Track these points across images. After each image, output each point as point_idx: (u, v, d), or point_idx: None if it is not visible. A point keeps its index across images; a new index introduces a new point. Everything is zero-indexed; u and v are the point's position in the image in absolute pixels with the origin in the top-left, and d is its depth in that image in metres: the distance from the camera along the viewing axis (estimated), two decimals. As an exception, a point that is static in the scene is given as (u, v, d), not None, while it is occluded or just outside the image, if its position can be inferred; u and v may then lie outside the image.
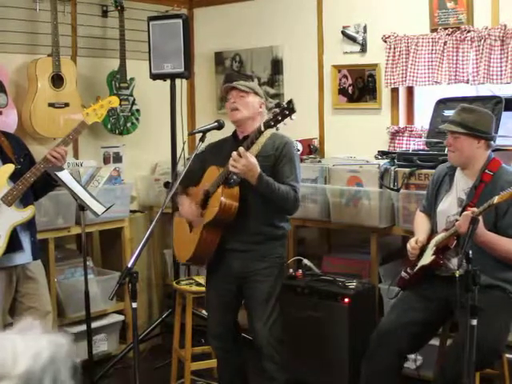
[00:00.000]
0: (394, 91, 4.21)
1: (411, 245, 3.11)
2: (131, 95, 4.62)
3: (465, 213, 2.75)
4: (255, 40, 4.81)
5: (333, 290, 3.68)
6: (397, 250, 4.06)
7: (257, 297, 3.15)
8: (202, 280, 3.81)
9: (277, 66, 4.73)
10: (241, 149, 2.93)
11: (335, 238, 4.49)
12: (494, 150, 3.14)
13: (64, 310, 4.15)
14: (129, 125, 4.63)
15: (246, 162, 2.92)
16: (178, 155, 4.30)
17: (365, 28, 4.26)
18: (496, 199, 2.64)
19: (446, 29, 3.87)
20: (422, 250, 3.09)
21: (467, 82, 3.81)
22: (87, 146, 4.58)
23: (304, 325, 3.69)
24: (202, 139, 3.07)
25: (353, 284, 3.71)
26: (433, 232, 3.15)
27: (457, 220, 2.83)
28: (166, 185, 4.50)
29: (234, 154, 2.93)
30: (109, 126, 4.52)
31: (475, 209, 2.72)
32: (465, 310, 2.43)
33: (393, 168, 3.79)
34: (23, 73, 4.15)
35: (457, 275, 2.47)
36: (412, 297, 3.10)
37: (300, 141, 4.19)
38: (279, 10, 4.70)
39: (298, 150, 3.97)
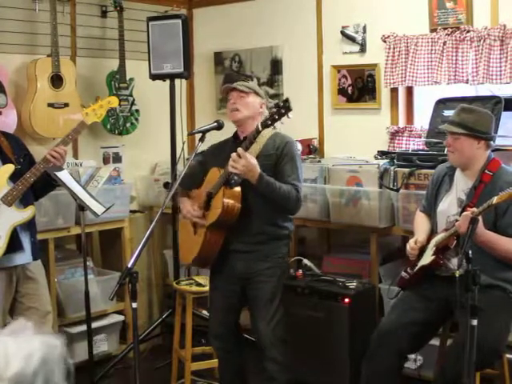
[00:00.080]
0: (394, 91, 4.21)
1: (410, 245, 3.11)
2: (131, 95, 4.62)
3: (464, 213, 2.75)
4: (255, 40, 4.81)
5: (333, 290, 3.68)
6: (397, 250, 4.06)
7: (260, 297, 3.15)
8: (202, 280, 3.81)
9: (276, 66, 4.73)
10: (240, 149, 2.94)
11: (335, 238, 4.49)
12: (493, 150, 3.14)
13: (64, 310, 4.15)
14: (128, 125, 4.63)
15: (245, 162, 2.92)
16: (177, 155, 4.30)
17: (364, 28, 4.26)
18: (495, 199, 2.64)
19: (445, 29, 3.88)
20: (422, 250, 3.09)
21: (467, 82, 3.81)
22: (87, 146, 4.59)
23: (304, 325, 3.69)
24: (201, 139, 3.07)
25: (353, 284, 3.71)
26: (433, 232, 3.16)
27: (457, 220, 2.83)
28: (166, 185, 4.50)
29: (234, 154, 2.94)
30: (108, 126, 4.53)
31: (475, 209, 2.72)
32: (465, 309, 2.43)
33: (392, 168, 3.79)
34: (23, 73, 4.15)
35: (457, 275, 2.46)
36: (412, 297, 3.10)
37: (300, 141, 4.18)
38: (279, 10, 4.70)
39: (298, 150, 3.97)
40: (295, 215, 3.29)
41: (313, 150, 4.41)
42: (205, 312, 4.35)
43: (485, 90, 3.88)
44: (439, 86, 3.96)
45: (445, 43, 3.86)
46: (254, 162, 2.96)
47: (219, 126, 3.15)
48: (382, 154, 4.02)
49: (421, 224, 3.25)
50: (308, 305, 3.70)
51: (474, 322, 2.41)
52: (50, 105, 4.11)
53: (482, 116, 3.02)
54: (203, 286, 3.72)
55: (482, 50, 3.72)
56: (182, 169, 3.17)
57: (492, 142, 3.04)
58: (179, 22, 4.27)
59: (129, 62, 4.53)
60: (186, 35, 4.30)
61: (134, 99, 4.63)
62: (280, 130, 3.32)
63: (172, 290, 4.29)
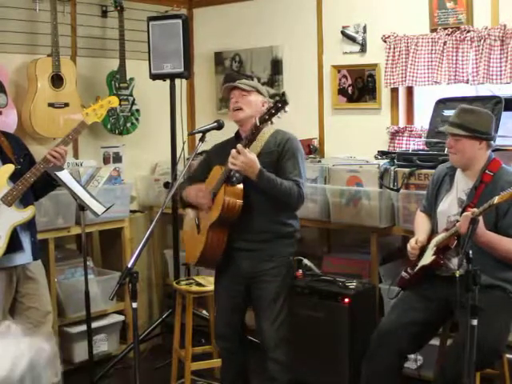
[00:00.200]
0: (394, 91, 4.21)
1: (411, 245, 3.11)
2: (131, 95, 4.62)
3: (465, 213, 2.75)
4: (255, 40, 4.81)
5: (333, 289, 3.68)
6: (397, 250, 4.06)
7: (264, 297, 3.14)
8: (202, 280, 3.81)
9: (276, 66, 4.73)
10: (239, 146, 2.94)
11: (335, 238, 4.49)
12: (493, 150, 3.13)
13: (64, 310, 4.15)
14: (128, 125, 4.63)
15: (244, 158, 2.92)
16: (177, 155, 4.30)
17: (364, 28, 4.26)
18: (496, 199, 2.64)
19: (445, 29, 3.87)
20: (423, 250, 3.09)
21: (467, 82, 3.81)
22: (87, 145, 4.59)
23: (304, 325, 3.68)
24: (201, 139, 3.07)
25: (353, 284, 3.71)
26: (433, 232, 3.15)
27: (457, 221, 2.83)
28: (166, 185, 4.50)
29: (233, 151, 2.94)
30: (108, 126, 4.53)
31: (475, 209, 2.71)
32: (465, 309, 2.43)
33: (393, 168, 3.79)
34: (23, 73, 4.15)
35: (457, 275, 2.47)
36: (412, 297, 3.10)
37: (300, 141, 4.18)
38: (279, 9, 4.70)
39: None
40: (295, 215, 3.28)
41: (313, 150, 4.41)
42: (205, 312, 4.36)
43: (485, 90, 3.88)
44: (439, 86, 3.96)
45: (445, 43, 3.86)
46: (254, 157, 2.96)
47: (219, 126, 3.15)
48: (383, 153, 4.02)
49: (421, 224, 3.24)
50: (308, 305, 3.70)
51: (474, 322, 2.41)
52: (51, 105, 4.11)
53: (483, 116, 3.02)
54: (203, 285, 3.72)
55: (483, 50, 3.71)
56: (182, 169, 3.17)
57: (492, 142, 3.04)
58: (179, 21, 4.28)
59: (129, 61, 4.54)
60: (186, 35, 4.30)
61: (134, 99, 4.63)
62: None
63: (172, 290, 4.29)
